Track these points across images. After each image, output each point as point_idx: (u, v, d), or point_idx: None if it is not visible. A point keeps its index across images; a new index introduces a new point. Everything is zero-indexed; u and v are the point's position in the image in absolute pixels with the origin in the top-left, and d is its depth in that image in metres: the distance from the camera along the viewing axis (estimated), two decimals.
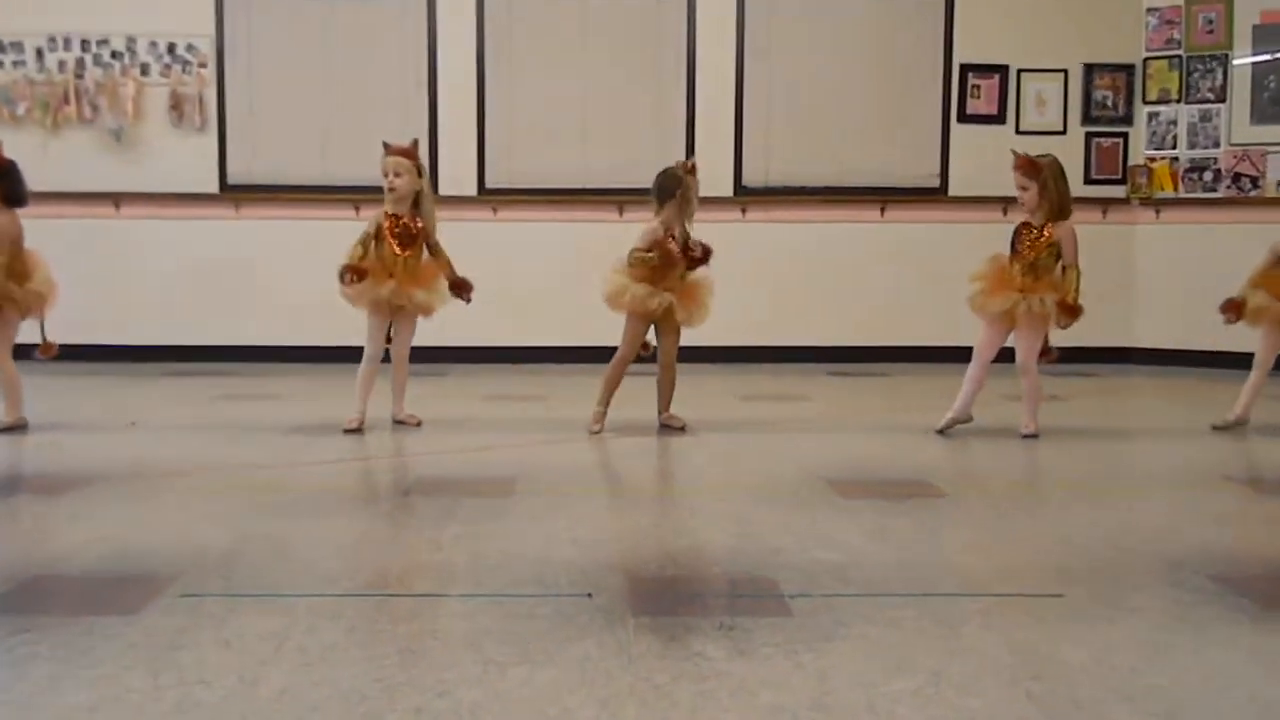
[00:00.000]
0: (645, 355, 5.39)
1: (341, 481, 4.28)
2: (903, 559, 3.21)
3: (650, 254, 5.14)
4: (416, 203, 5.35)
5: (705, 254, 5.29)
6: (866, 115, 8.29)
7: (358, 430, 5.31)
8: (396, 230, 5.31)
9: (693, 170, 5.27)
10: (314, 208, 7.98)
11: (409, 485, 4.27)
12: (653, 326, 5.35)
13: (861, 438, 5.25)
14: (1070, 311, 5.09)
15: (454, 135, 8.11)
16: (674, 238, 5.24)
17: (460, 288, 5.41)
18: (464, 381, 7.24)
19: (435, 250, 5.39)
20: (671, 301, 5.20)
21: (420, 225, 5.32)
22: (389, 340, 5.47)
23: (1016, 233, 5.24)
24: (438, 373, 7.36)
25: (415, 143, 5.38)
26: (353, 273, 5.21)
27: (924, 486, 4.18)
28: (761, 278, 8.10)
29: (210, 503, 3.87)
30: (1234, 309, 5.37)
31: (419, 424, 5.48)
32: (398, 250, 5.30)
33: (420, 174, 5.35)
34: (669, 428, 5.39)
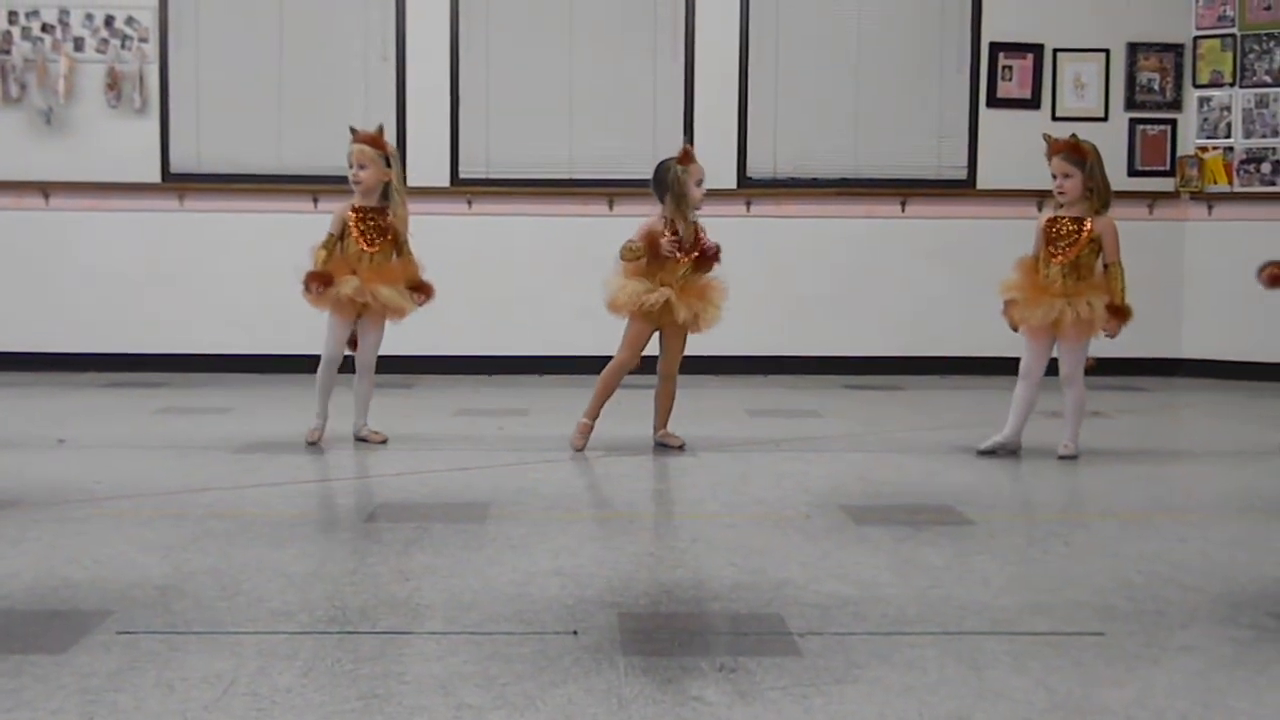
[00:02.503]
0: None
1: (296, 506, 4.28)
2: (925, 593, 3.21)
3: (638, 244, 5.17)
4: (387, 193, 5.37)
5: (715, 253, 5.30)
6: (886, 99, 8.31)
7: (317, 443, 5.39)
8: (363, 224, 5.33)
9: (687, 156, 5.29)
10: (268, 199, 7.98)
11: (372, 510, 4.26)
12: (656, 335, 5.35)
13: (880, 459, 5.26)
14: (1119, 314, 5.09)
15: (424, 118, 8.11)
16: (677, 234, 5.25)
17: (419, 290, 5.40)
18: (433, 395, 7.23)
19: (402, 251, 5.40)
20: (670, 298, 5.21)
21: (390, 218, 5.34)
22: (354, 346, 5.48)
23: (1044, 228, 5.24)
24: (403, 385, 7.36)
25: (381, 129, 5.40)
26: (318, 281, 5.22)
27: (949, 513, 4.18)
28: (768, 280, 8.11)
29: (149, 530, 3.86)
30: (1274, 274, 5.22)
31: (383, 441, 5.48)
32: (364, 246, 5.32)
33: (389, 163, 5.37)
34: (666, 446, 5.39)
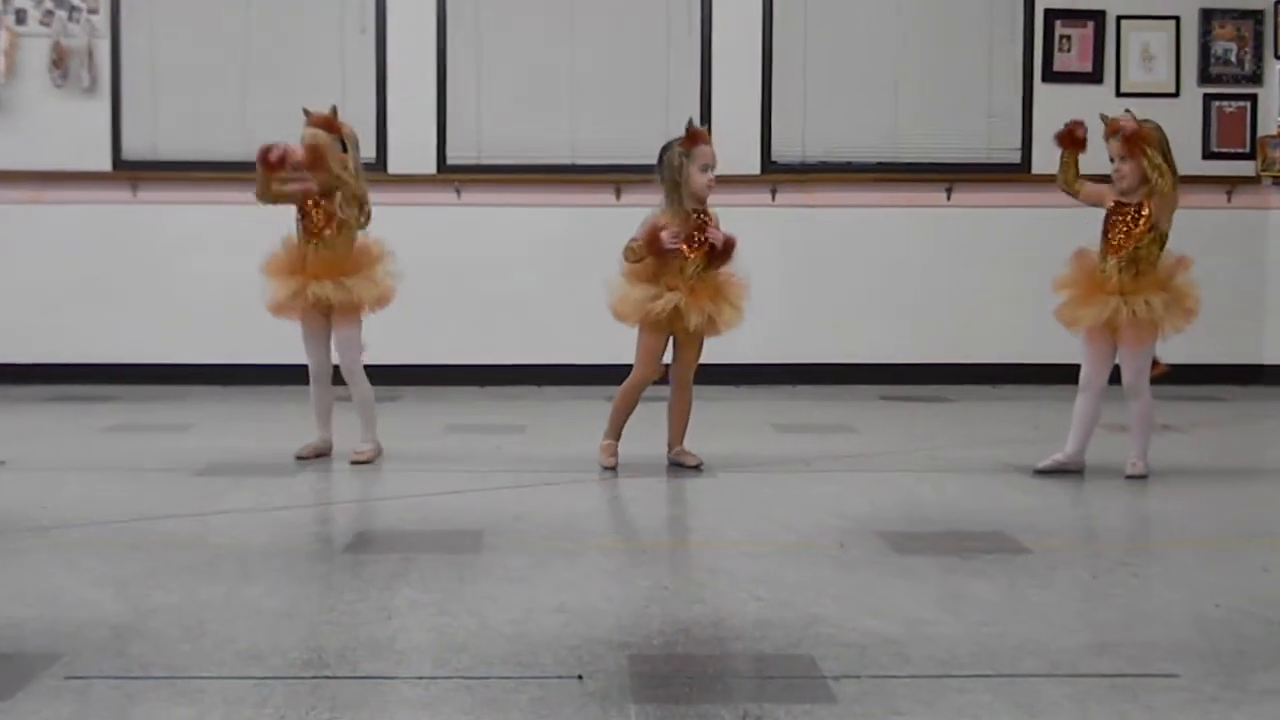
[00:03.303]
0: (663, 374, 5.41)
1: (267, 535, 4.29)
2: (975, 631, 3.21)
3: (639, 244, 5.17)
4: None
5: (726, 246, 5.28)
6: (929, 73, 8.31)
7: (309, 458, 5.49)
8: (316, 213, 5.42)
9: (694, 138, 5.25)
10: (232, 189, 7.95)
11: (352, 539, 4.27)
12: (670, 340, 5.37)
13: (923, 480, 5.26)
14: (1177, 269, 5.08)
15: (407, 97, 8.13)
16: (678, 227, 5.24)
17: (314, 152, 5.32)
18: (420, 409, 7.25)
19: (363, 206, 5.43)
20: (679, 303, 5.21)
21: (338, 209, 5.38)
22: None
23: (1108, 218, 5.24)
24: (387, 397, 7.37)
25: (334, 110, 5.44)
26: (269, 155, 5.32)
27: (1002, 540, 4.18)
28: (796, 278, 8.11)
29: (101, 562, 3.87)
30: None
31: (367, 460, 5.50)
32: (309, 236, 5.41)
33: (345, 148, 5.42)
34: (681, 466, 5.40)
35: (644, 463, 5.41)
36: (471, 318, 8.06)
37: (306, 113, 5.45)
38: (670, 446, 5.46)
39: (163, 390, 7.74)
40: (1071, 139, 5.28)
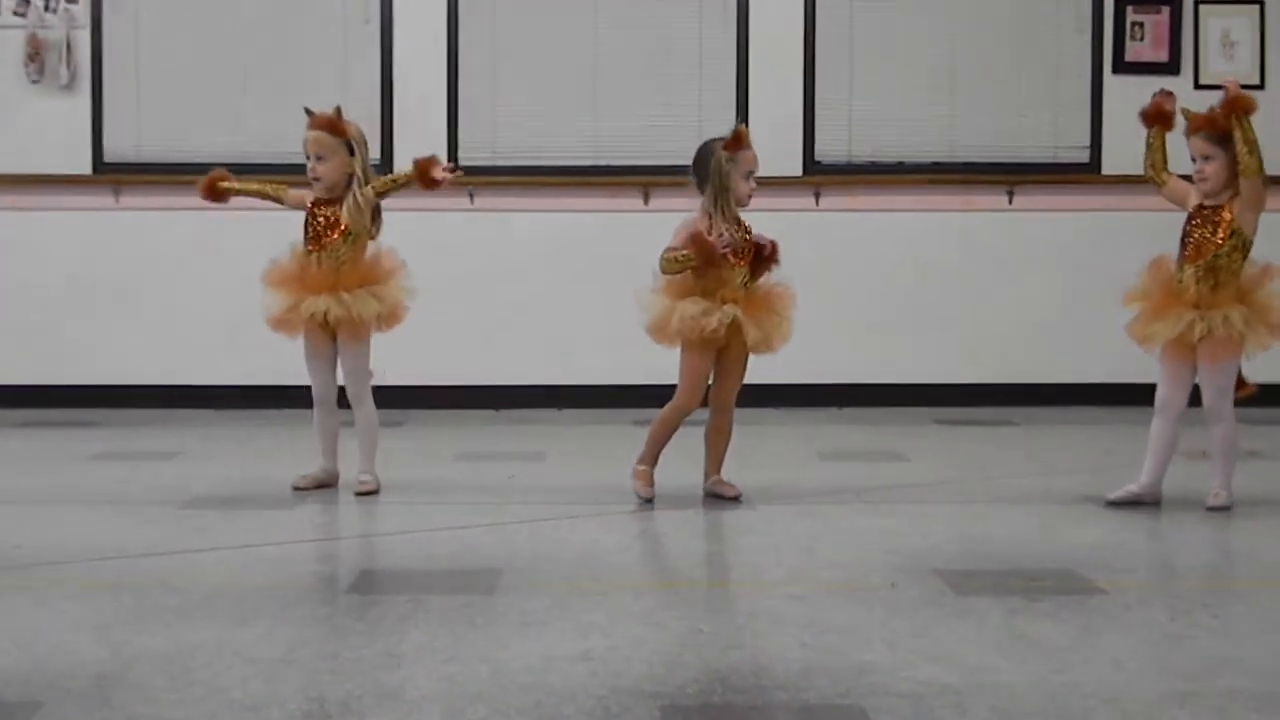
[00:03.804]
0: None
1: (262, 574, 4.30)
2: (1043, 679, 3.20)
3: (685, 253, 5.16)
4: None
5: (771, 252, 5.32)
6: (988, 64, 8.30)
7: (309, 490, 5.54)
8: (314, 220, 5.47)
9: (739, 141, 5.29)
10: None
11: (355, 579, 4.28)
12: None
13: (984, 512, 5.24)
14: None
15: (415, 94, 8.16)
16: (724, 232, 5.25)
17: (426, 170, 5.44)
18: (428, 434, 7.26)
19: (383, 190, 5.49)
20: (737, 317, 5.22)
21: (345, 219, 5.41)
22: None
23: (1188, 222, 5.21)
24: (392, 421, 7.39)
25: (339, 111, 5.48)
26: (208, 184, 5.62)
27: (1072, 579, 4.17)
28: (842, 290, 8.10)
29: (82, 605, 3.89)
30: None
31: (372, 492, 5.51)
32: (311, 246, 5.44)
33: (353, 151, 5.45)
34: (719, 497, 5.39)
35: (677, 494, 5.41)
36: (484, 333, 8.07)
37: (309, 113, 5.48)
38: (707, 476, 5.46)
39: (148, 415, 7.77)
40: (1160, 114, 5.26)
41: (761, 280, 5.35)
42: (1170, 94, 5.27)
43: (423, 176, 5.45)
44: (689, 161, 5.43)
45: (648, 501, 5.31)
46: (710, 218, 5.27)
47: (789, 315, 5.33)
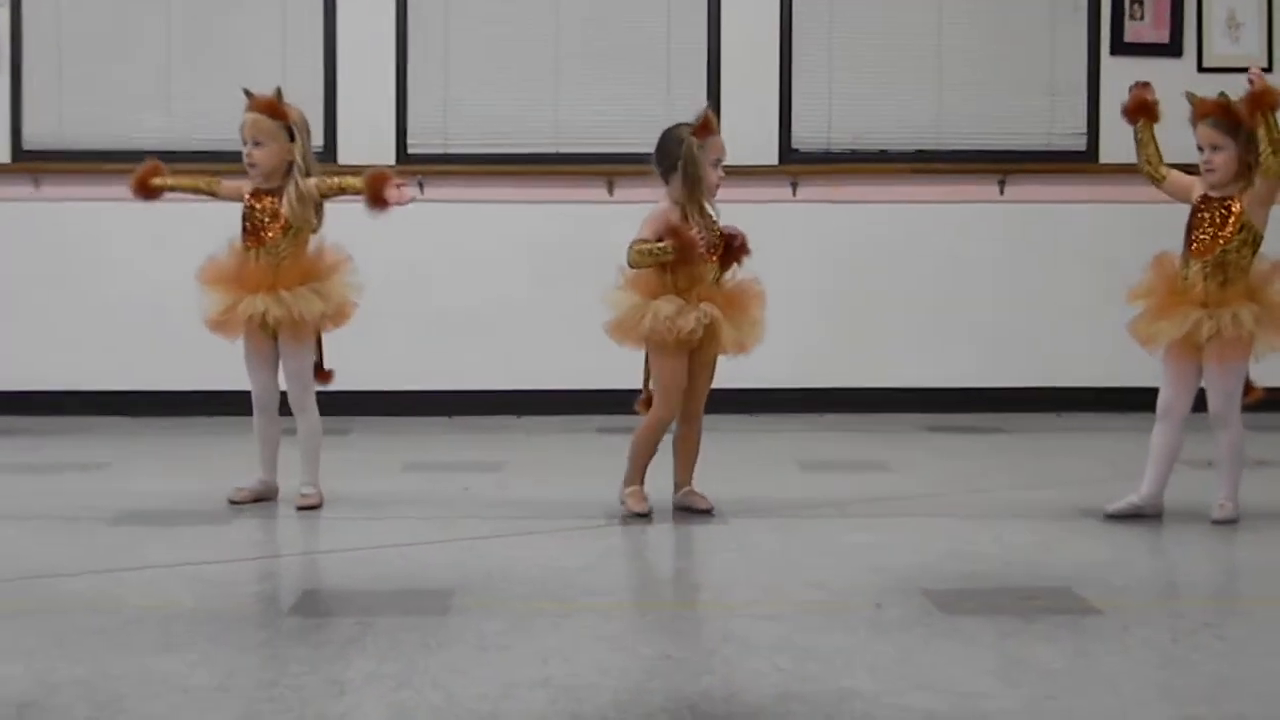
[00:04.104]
0: (648, 409, 5.40)
1: (196, 595, 4.28)
2: (1038, 705, 3.21)
3: (661, 245, 5.16)
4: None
5: (741, 244, 5.33)
6: (977, 46, 8.33)
7: (246, 503, 5.52)
8: (252, 213, 5.46)
9: (707, 127, 5.31)
10: None
11: (296, 600, 4.27)
12: None
13: (976, 526, 5.26)
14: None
15: (361, 75, 8.14)
16: (701, 227, 5.26)
17: (378, 188, 5.41)
18: (375, 443, 7.24)
19: (329, 191, 5.47)
20: (717, 318, 5.23)
21: (285, 209, 5.41)
22: (323, 377, 5.63)
23: (1193, 215, 5.24)
24: (337, 429, 7.36)
25: (279, 93, 5.48)
26: (141, 178, 5.57)
27: (1068, 598, 4.18)
28: (821, 286, 8.12)
29: None
30: None
31: (316, 506, 5.51)
32: (250, 242, 5.45)
33: (293, 137, 5.45)
34: (689, 510, 5.40)
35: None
36: (436, 334, 8.06)
37: (247, 94, 5.48)
38: (677, 487, 5.46)
39: (71, 422, 7.73)
40: (1142, 107, 5.29)
41: (729, 275, 5.36)
42: (1147, 84, 5.32)
43: (372, 193, 5.40)
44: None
45: (643, 516, 5.30)
46: (683, 209, 5.27)
47: (760, 315, 5.35)
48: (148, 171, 5.62)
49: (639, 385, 5.42)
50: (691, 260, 5.21)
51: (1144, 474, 5.30)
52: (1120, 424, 7.29)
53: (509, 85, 8.21)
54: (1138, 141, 5.31)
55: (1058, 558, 4.75)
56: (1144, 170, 5.32)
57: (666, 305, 5.19)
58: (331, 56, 8.14)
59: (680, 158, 5.25)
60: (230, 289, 5.42)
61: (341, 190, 5.48)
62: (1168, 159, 5.33)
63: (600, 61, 8.24)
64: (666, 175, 5.31)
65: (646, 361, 5.37)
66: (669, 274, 5.23)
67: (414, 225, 8.01)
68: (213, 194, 5.60)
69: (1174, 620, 4.05)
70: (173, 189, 5.63)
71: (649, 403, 5.38)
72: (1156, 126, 5.30)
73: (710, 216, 5.33)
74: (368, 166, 7.85)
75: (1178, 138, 5.31)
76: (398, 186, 5.43)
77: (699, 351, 5.30)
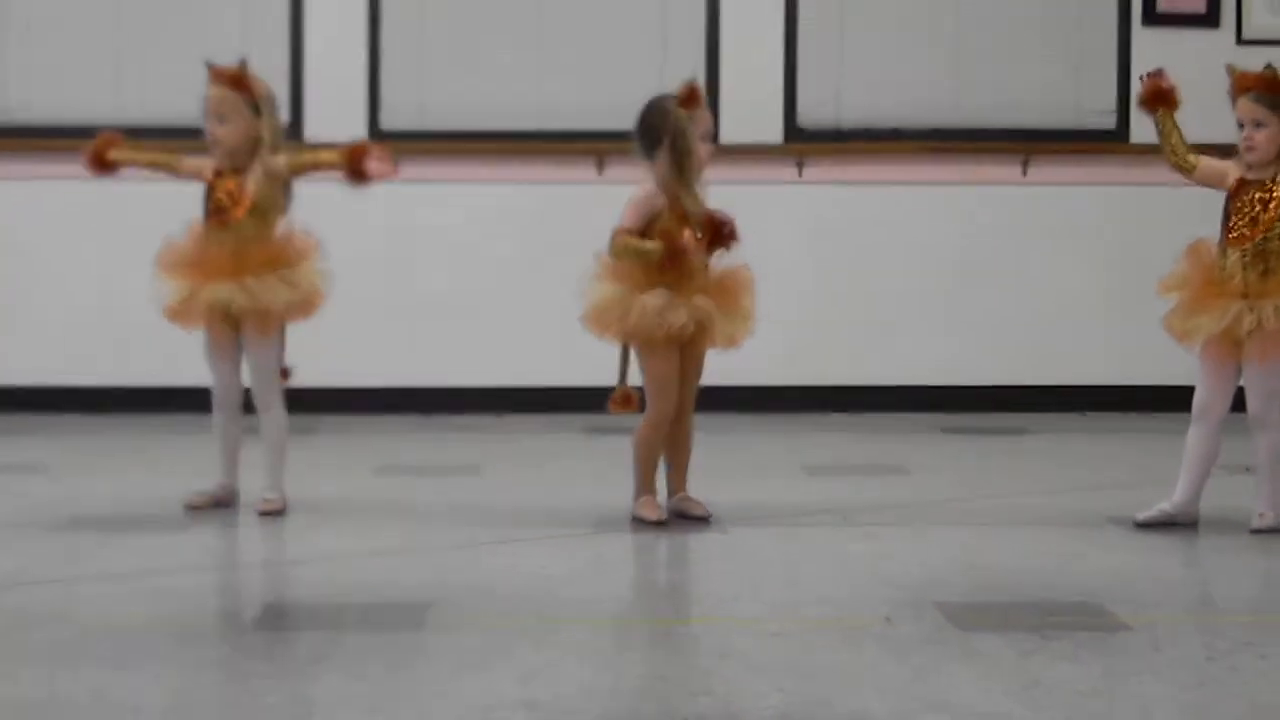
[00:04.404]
0: (622, 407, 5.40)
1: (149, 608, 4.28)
2: None
3: (649, 248, 5.14)
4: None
5: (730, 230, 5.33)
6: (999, 16, 8.33)
7: (204, 508, 5.50)
8: (215, 193, 5.45)
9: (694, 97, 5.29)
10: None
11: (259, 614, 4.26)
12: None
13: (994, 536, 5.26)
14: None
15: (329, 47, 8.13)
16: (685, 216, 5.25)
17: (358, 160, 5.42)
18: (344, 444, 7.24)
19: (299, 167, 5.48)
20: (711, 312, 5.22)
21: (251, 189, 5.41)
22: (283, 374, 5.62)
23: (1230, 200, 5.25)
24: (303, 429, 7.36)
25: (245, 65, 5.47)
26: (96, 150, 5.55)
27: (1095, 613, 4.19)
28: (828, 275, 8.12)
29: None
30: None
31: (278, 511, 5.50)
32: (212, 224, 5.44)
33: (260, 112, 5.45)
34: (684, 517, 5.40)
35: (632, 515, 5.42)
36: (410, 326, 8.06)
37: (209, 67, 5.47)
38: (671, 493, 5.46)
39: (14, 421, 7.72)
40: (1158, 95, 5.30)
41: (714, 261, 5.35)
42: (1160, 71, 5.32)
43: (351, 166, 5.40)
44: None
45: (658, 524, 5.30)
46: (674, 192, 5.25)
47: (749, 305, 5.35)
48: (103, 143, 5.59)
49: (635, 382, 5.40)
50: (680, 267, 5.19)
51: (1177, 479, 5.30)
52: (1152, 425, 7.30)
53: (490, 55, 8.20)
54: (1160, 132, 5.31)
55: (1083, 569, 4.75)
56: (1171, 161, 5.32)
57: (654, 299, 5.18)
58: (297, 24, 8.13)
59: (668, 132, 5.23)
60: (190, 275, 5.40)
61: (316, 166, 5.48)
62: (1205, 140, 5.33)
63: (589, 30, 8.24)
64: (650, 152, 5.29)
65: (623, 356, 5.37)
66: (659, 265, 5.23)
67: (386, 207, 8.03)
68: (173, 171, 5.59)
69: (1210, 637, 4.05)
70: (131, 163, 5.62)
71: (623, 401, 5.38)
72: (1205, 100, 5.31)
73: (698, 197, 5.31)
74: (337, 144, 7.95)
75: (1216, 117, 5.32)
76: (378, 159, 5.41)
77: (689, 346, 5.30)
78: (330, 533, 5.25)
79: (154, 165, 5.62)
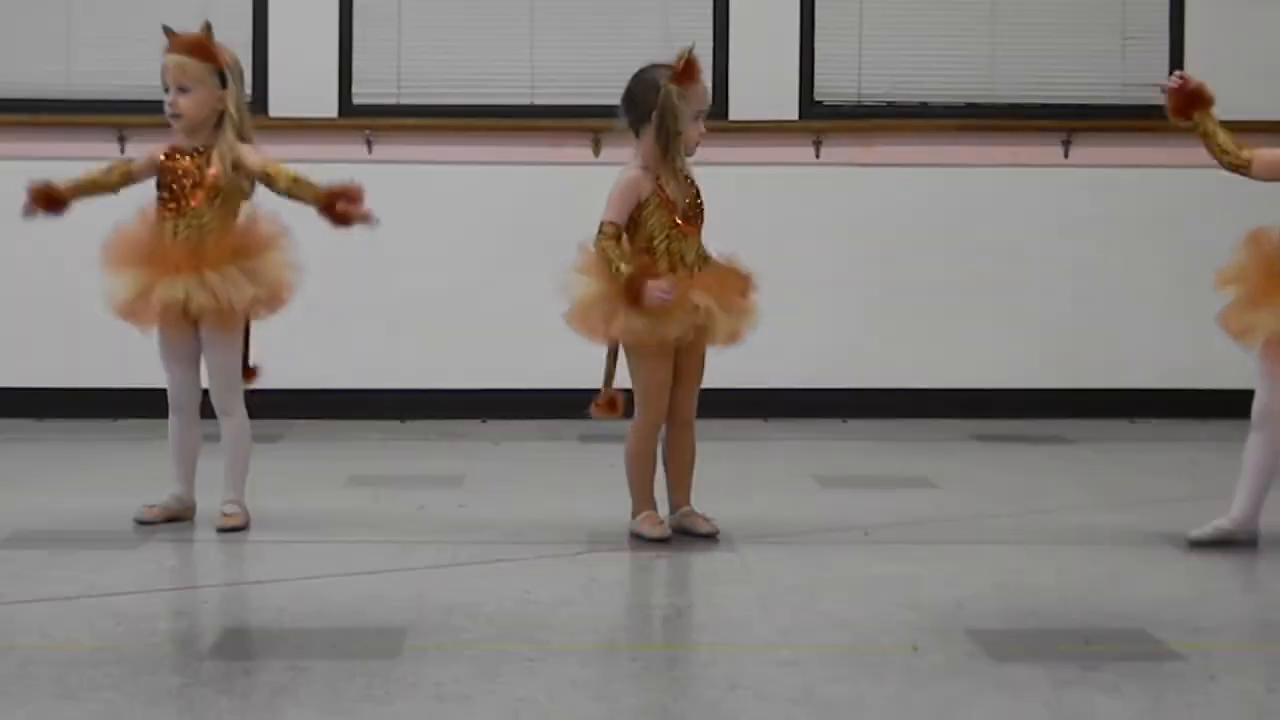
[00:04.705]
0: (607, 412, 5.41)
1: (98, 633, 4.28)
2: None
3: (622, 269, 5.11)
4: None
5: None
6: None
7: (157, 523, 5.50)
8: (170, 175, 5.43)
9: (689, 70, 5.26)
10: (48, 139, 8.00)
11: (218, 640, 4.27)
12: None
13: (1031, 555, 5.27)
14: None
15: (297, 11, 8.14)
16: (668, 197, 5.25)
17: (338, 203, 5.42)
18: (313, 452, 7.24)
19: (271, 173, 5.45)
20: (711, 310, 5.22)
21: (213, 169, 5.40)
22: (249, 375, 5.62)
23: None
24: (267, 435, 7.37)
25: (209, 29, 5.46)
26: (38, 198, 5.45)
27: (1143, 641, 4.19)
28: (849, 266, 8.12)
29: None
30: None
31: (240, 527, 5.51)
32: (167, 211, 5.42)
33: (225, 83, 5.44)
34: (688, 533, 5.40)
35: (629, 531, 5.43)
36: (387, 322, 8.07)
37: (169, 33, 5.44)
38: (674, 507, 5.47)
39: None
40: (1189, 99, 5.30)
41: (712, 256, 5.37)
42: (1181, 75, 5.34)
43: (328, 208, 5.40)
44: None
45: (663, 541, 5.31)
46: (656, 174, 5.26)
47: (750, 296, 5.35)
48: (42, 190, 5.49)
49: (626, 384, 5.40)
50: (637, 305, 5.16)
51: (1235, 493, 5.31)
52: (1206, 433, 7.31)
53: (475, 23, 8.22)
54: (1203, 136, 5.30)
55: (1129, 593, 4.76)
56: (1224, 163, 5.31)
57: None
58: None
59: (655, 108, 5.24)
60: (143, 268, 5.39)
61: (290, 186, 5.41)
62: (1272, 117, 5.33)
63: (583, 2, 8.25)
64: (637, 127, 5.30)
65: (610, 356, 5.38)
66: (645, 252, 5.24)
67: (366, 191, 8.03)
68: (128, 180, 5.52)
69: (1271, 667, 4.06)
70: (81, 192, 5.52)
71: (608, 406, 5.39)
72: (1265, 74, 5.31)
73: (687, 179, 5.32)
74: (306, 121, 7.98)
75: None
76: (359, 208, 5.42)
77: (688, 346, 5.32)
78: (297, 550, 5.26)
79: (102, 188, 5.53)
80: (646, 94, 5.27)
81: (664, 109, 5.22)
